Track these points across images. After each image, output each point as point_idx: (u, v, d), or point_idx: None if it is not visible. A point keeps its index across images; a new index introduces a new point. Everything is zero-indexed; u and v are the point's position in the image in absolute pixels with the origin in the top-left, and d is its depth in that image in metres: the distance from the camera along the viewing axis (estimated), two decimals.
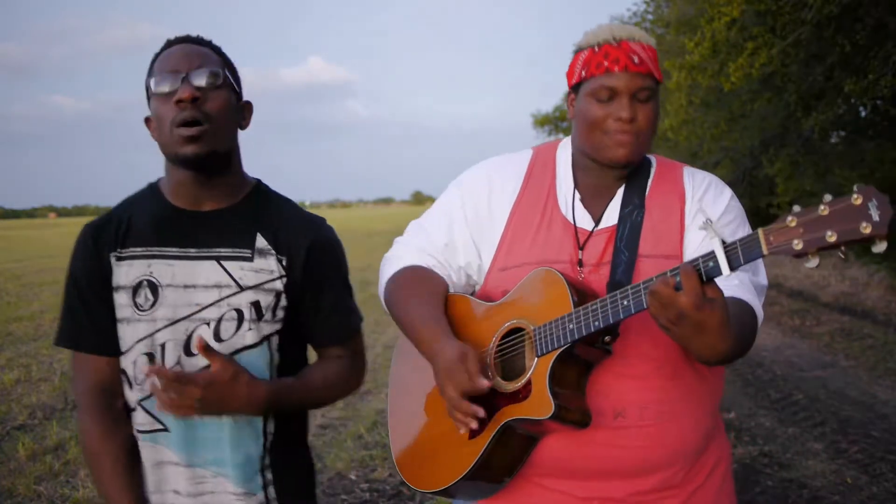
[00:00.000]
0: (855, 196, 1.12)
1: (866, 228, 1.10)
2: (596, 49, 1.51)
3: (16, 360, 7.34)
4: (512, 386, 1.49)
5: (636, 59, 1.48)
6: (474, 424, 1.45)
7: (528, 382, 1.46)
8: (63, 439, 4.85)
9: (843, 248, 1.14)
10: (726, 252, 1.23)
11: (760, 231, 1.20)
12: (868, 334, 8.00)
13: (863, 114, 12.50)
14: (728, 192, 1.61)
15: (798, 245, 1.15)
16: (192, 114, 1.46)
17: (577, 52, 1.56)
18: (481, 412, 1.43)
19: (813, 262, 1.17)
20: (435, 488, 1.58)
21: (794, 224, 1.16)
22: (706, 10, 10.19)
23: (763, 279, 1.58)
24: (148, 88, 1.54)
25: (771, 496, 3.96)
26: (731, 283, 1.50)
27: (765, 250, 1.19)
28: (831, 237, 1.13)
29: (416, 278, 1.65)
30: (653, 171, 1.62)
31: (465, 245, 1.65)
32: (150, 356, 1.53)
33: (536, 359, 1.46)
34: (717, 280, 1.49)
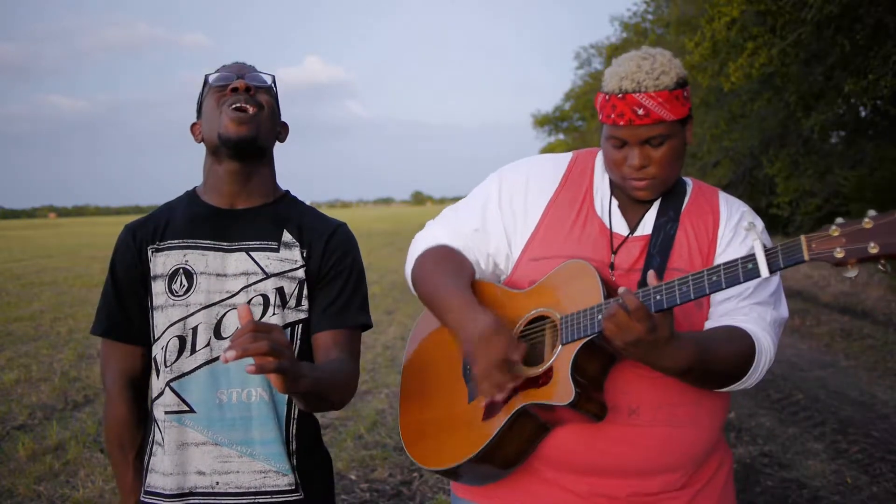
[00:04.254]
0: None
1: None
2: (607, 98, 1.53)
3: (16, 360, 7.33)
4: (533, 371, 1.50)
5: (640, 112, 1.49)
6: (500, 396, 1.47)
7: (550, 369, 1.48)
8: (63, 439, 4.85)
9: (883, 260, 1.18)
10: (767, 256, 1.26)
11: (803, 238, 1.24)
12: (868, 334, 8.01)
13: (863, 114, 12.50)
14: (760, 224, 1.62)
15: (840, 254, 1.20)
16: (244, 98, 1.61)
17: (599, 92, 1.59)
18: (511, 383, 1.45)
19: (852, 273, 1.21)
20: (441, 466, 1.60)
21: (836, 234, 1.21)
22: (706, 10, 10.21)
23: (784, 312, 1.62)
24: (202, 94, 1.70)
25: (771, 496, 3.96)
26: (743, 316, 1.54)
27: (806, 256, 1.23)
28: (873, 249, 1.17)
29: (445, 256, 1.70)
30: (689, 190, 1.65)
31: (497, 233, 1.68)
32: (182, 339, 1.61)
33: (561, 346, 1.48)
34: (730, 301, 1.55)
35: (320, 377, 1.51)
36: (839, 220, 1.22)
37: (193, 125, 1.73)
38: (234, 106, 1.60)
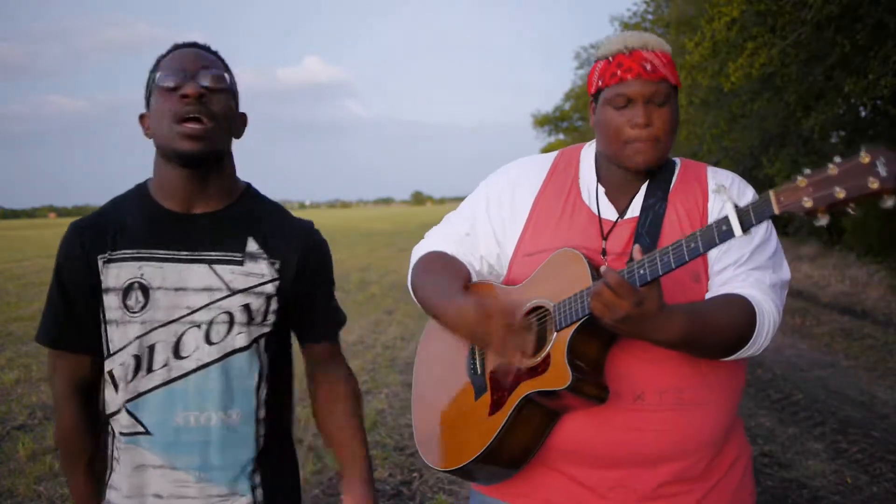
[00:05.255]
0: (863, 155, 1.16)
1: (874, 183, 1.14)
2: (610, 60, 1.57)
3: (16, 360, 7.33)
4: (531, 361, 1.51)
5: (648, 67, 1.53)
6: (530, 343, 1.48)
7: (547, 356, 1.49)
8: None
9: (851, 205, 1.17)
10: (738, 215, 1.26)
11: (771, 192, 1.24)
12: (868, 334, 8.00)
13: (863, 114, 12.50)
14: (751, 192, 1.63)
15: (808, 203, 1.19)
16: (196, 109, 1.47)
17: (595, 62, 1.62)
18: (527, 341, 1.47)
19: (822, 221, 1.21)
20: (454, 466, 1.61)
21: (804, 184, 1.21)
22: (706, 10, 10.20)
23: (785, 273, 1.61)
24: (150, 84, 1.55)
25: (771, 496, 3.96)
26: (741, 282, 1.53)
27: (776, 209, 1.23)
28: (840, 194, 1.17)
29: (436, 260, 1.72)
30: (677, 169, 1.66)
31: (486, 236, 1.71)
32: (138, 358, 1.53)
33: (556, 333, 1.49)
34: (728, 270, 1.55)
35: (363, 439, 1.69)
36: (806, 170, 1.22)
37: (142, 116, 1.57)
38: (185, 118, 1.46)
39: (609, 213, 1.62)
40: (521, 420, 1.53)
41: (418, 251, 1.80)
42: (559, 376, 1.45)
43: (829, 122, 11.08)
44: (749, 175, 15.30)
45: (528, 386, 1.51)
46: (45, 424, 5.20)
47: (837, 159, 1.19)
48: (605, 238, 1.59)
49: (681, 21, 15.53)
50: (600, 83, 1.58)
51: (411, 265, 1.78)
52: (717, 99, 14.44)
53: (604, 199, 1.63)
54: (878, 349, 7.30)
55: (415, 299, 1.74)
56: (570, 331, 1.47)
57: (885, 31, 8.77)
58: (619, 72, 1.54)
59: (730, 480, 1.62)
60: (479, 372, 1.64)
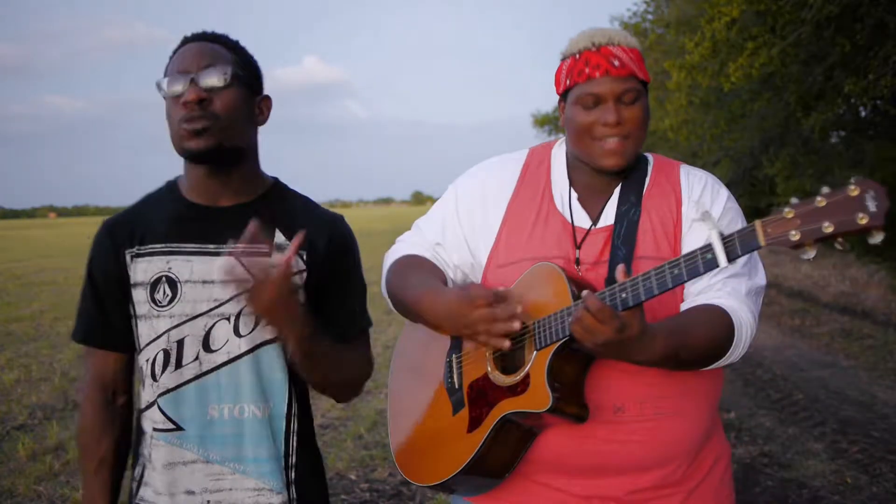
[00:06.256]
0: (852, 187, 1.13)
1: (863, 219, 1.11)
2: (577, 56, 1.53)
3: (16, 360, 7.34)
4: (510, 380, 1.49)
5: (616, 63, 1.50)
6: (517, 325, 1.41)
7: (527, 376, 1.47)
8: (63, 439, 4.85)
9: (840, 239, 1.15)
10: (724, 244, 1.24)
11: (758, 223, 1.21)
12: (868, 334, 8.00)
13: (863, 114, 12.51)
14: (725, 193, 1.61)
15: (795, 236, 1.16)
16: (198, 115, 1.48)
17: (562, 60, 1.58)
18: (510, 322, 1.41)
19: (810, 254, 1.18)
20: (433, 482, 1.60)
21: (791, 216, 1.17)
22: (706, 10, 10.21)
23: (761, 279, 1.58)
24: (160, 89, 1.56)
25: (771, 496, 3.96)
26: (717, 292, 1.51)
27: (762, 242, 1.19)
28: (828, 228, 1.13)
29: (413, 263, 1.68)
30: (650, 169, 1.62)
31: (458, 245, 1.67)
32: (167, 353, 1.53)
33: (535, 352, 1.46)
34: (704, 278, 1.51)
35: (327, 346, 1.51)
36: (794, 200, 1.19)
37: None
38: (185, 121, 1.48)
39: (582, 220, 1.59)
40: (500, 437, 1.51)
41: (390, 257, 1.74)
42: (539, 399, 1.43)
43: (829, 122, 11.10)
44: (749, 175, 15.32)
45: (507, 405, 1.49)
46: (45, 424, 5.21)
47: (825, 190, 1.16)
48: (578, 247, 1.56)
49: (681, 21, 15.53)
50: (568, 82, 1.54)
51: (384, 271, 1.73)
52: (717, 99, 14.45)
53: (577, 206, 1.60)
54: (878, 349, 7.29)
55: (390, 304, 1.69)
56: (549, 351, 1.44)
57: (885, 31, 8.78)
58: (586, 69, 1.50)
59: (711, 481, 1.62)
60: (457, 386, 1.61)
